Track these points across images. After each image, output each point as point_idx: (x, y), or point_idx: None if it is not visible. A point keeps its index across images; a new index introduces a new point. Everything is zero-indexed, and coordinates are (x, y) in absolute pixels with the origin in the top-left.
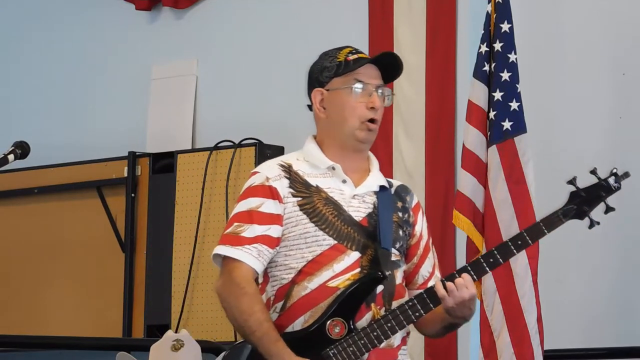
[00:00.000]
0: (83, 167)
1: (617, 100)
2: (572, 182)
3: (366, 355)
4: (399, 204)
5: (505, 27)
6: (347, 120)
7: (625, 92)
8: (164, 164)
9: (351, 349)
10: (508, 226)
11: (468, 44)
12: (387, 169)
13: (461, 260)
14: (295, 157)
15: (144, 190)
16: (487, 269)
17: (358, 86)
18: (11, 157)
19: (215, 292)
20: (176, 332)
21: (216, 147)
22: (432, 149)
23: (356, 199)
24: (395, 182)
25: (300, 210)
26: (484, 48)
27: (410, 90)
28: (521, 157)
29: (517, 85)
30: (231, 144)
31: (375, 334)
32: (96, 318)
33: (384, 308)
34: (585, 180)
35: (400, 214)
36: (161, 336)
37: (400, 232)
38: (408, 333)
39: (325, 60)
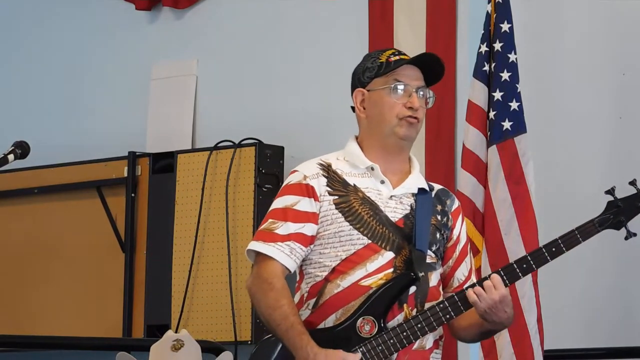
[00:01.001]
0: (83, 167)
1: (617, 100)
2: (610, 192)
3: (395, 355)
4: (439, 207)
5: (505, 27)
6: (385, 118)
7: (625, 92)
8: (164, 164)
9: (380, 348)
10: (508, 226)
11: (468, 44)
12: None
13: None
14: (336, 156)
15: (144, 190)
16: (520, 274)
17: (398, 86)
18: (11, 157)
19: (246, 288)
20: (176, 332)
21: (216, 147)
22: (432, 149)
23: (393, 199)
24: (437, 186)
25: (336, 208)
26: (484, 48)
27: None
28: (521, 157)
29: (517, 85)
30: (231, 144)
31: (405, 334)
32: (96, 318)
33: (415, 309)
34: (585, 183)
35: (439, 217)
36: (161, 336)
37: (438, 235)
38: (441, 337)
39: (367, 61)
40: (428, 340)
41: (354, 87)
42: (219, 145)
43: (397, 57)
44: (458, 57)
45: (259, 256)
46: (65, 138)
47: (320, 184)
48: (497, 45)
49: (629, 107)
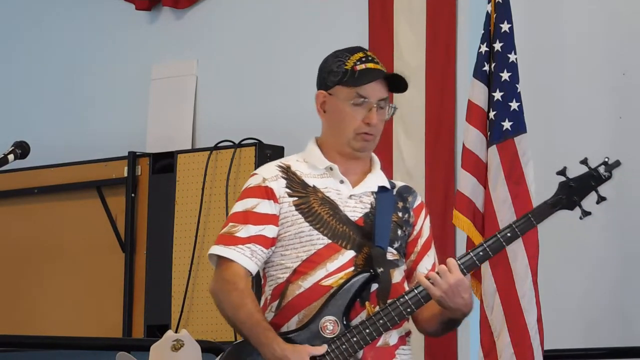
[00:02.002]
0: (83, 167)
1: (617, 100)
2: (562, 172)
3: (360, 352)
4: (400, 204)
5: (505, 27)
6: (343, 130)
7: (625, 92)
8: (164, 164)
9: (344, 346)
10: None
11: (468, 44)
12: (387, 169)
13: None
14: (296, 158)
15: (144, 190)
16: (477, 262)
17: (359, 101)
18: (11, 157)
19: (210, 293)
20: (176, 332)
21: (216, 147)
22: (432, 149)
23: (353, 199)
24: (399, 183)
25: (296, 209)
26: (484, 48)
27: (410, 90)
28: (521, 157)
29: (517, 85)
30: (231, 144)
31: (367, 331)
32: (96, 318)
33: (378, 307)
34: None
35: (400, 214)
36: (161, 336)
37: (399, 232)
38: (407, 333)
39: (333, 63)
40: (392, 337)
41: (318, 85)
42: (219, 145)
43: (364, 66)
44: (458, 57)
45: (220, 260)
46: (65, 138)
47: (279, 186)
48: (497, 45)
49: (629, 107)
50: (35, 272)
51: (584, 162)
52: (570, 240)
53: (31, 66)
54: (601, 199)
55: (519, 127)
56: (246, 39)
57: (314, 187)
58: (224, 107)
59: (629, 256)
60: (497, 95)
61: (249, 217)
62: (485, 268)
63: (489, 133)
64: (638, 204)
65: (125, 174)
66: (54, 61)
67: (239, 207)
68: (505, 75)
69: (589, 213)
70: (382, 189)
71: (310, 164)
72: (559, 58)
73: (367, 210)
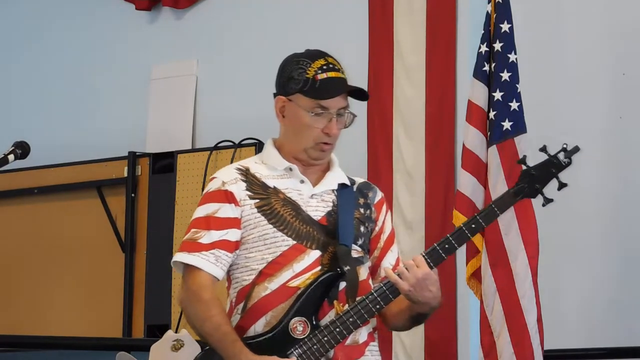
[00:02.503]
0: (83, 167)
1: (617, 100)
2: (522, 161)
3: (332, 352)
4: (361, 201)
5: (505, 27)
6: (302, 138)
7: (625, 92)
8: (164, 164)
9: (316, 347)
10: (508, 226)
11: (468, 44)
12: (387, 169)
13: (461, 261)
14: (254, 160)
15: (144, 190)
16: (443, 255)
17: (319, 111)
18: (11, 157)
19: (179, 304)
20: (176, 332)
21: (216, 147)
22: (432, 149)
23: (314, 198)
24: (358, 179)
25: (258, 212)
26: (484, 48)
27: (410, 90)
28: (522, 156)
29: (517, 85)
30: (231, 144)
31: (337, 330)
32: (96, 318)
33: (347, 305)
34: (585, 183)
35: (362, 211)
36: (161, 336)
37: (362, 229)
38: (375, 329)
39: (294, 69)
40: (361, 335)
41: (277, 89)
42: (219, 145)
43: (325, 75)
44: (458, 57)
45: (186, 267)
46: (65, 138)
47: (239, 189)
48: (497, 45)
49: (629, 107)
50: (35, 272)
51: (543, 149)
52: (570, 240)
53: (31, 66)
54: (562, 185)
55: (519, 127)
56: (246, 39)
57: (275, 188)
58: (224, 107)
59: (629, 256)
60: (497, 95)
61: (210, 222)
62: (486, 268)
63: (489, 133)
64: (638, 203)
65: (125, 174)
66: (54, 61)
67: (200, 212)
68: (505, 75)
69: (551, 200)
70: (342, 186)
71: (269, 166)
72: (558, 58)
73: (330, 208)
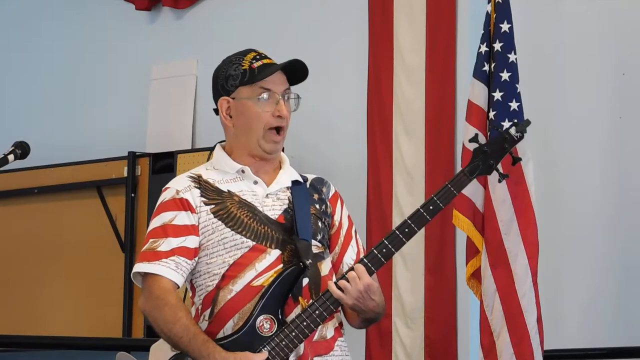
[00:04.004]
0: (83, 167)
1: (617, 100)
2: (474, 139)
3: (302, 348)
4: (315, 196)
5: (505, 27)
6: (253, 129)
7: (625, 92)
8: (164, 164)
9: (284, 343)
10: (508, 226)
11: (468, 44)
12: (387, 169)
13: (461, 260)
14: (205, 167)
15: (144, 190)
16: (382, 259)
17: (264, 95)
18: (11, 157)
19: (141, 311)
20: None
21: None
22: (432, 149)
23: (270, 197)
24: (311, 176)
25: (215, 217)
26: (483, 48)
27: (410, 90)
28: (521, 157)
29: (517, 85)
30: None
31: (305, 323)
32: (96, 318)
33: (311, 301)
34: (585, 183)
35: (317, 206)
36: None
37: (320, 224)
38: (341, 324)
39: (229, 67)
40: (328, 330)
41: (217, 94)
42: None
43: (260, 63)
44: (458, 57)
45: (146, 276)
46: (65, 138)
47: (194, 196)
48: (497, 45)
49: (629, 107)
50: (35, 272)
51: (494, 126)
52: (570, 240)
53: (31, 66)
54: (516, 159)
55: None
56: (246, 39)
57: (229, 191)
58: None
59: (628, 256)
60: (497, 95)
61: (168, 230)
62: (485, 268)
63: (488, 133)
64: (638, 203)
65: (125, 174)
66: (54, 61)
67: (156, 222)
68: (505, 75)
69: (506, 176)
70: (295, 183)
71: (221, 170)
72: (559, 58)
73: (286, 206)
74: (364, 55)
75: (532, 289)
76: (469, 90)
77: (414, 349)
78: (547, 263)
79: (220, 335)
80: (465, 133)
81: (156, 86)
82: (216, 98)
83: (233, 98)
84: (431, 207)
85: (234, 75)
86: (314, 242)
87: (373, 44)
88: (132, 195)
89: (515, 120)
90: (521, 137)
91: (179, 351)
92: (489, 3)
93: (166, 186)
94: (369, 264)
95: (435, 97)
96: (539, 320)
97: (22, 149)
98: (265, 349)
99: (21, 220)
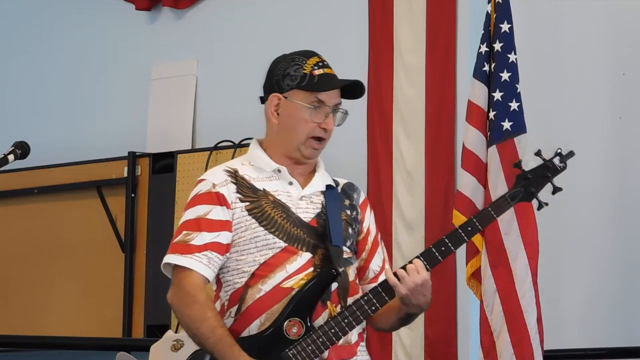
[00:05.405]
0: (83, 167)
1: (617, 100)
2: (517, 165)
3: (326, 353)
4: (347, 202)
5: (505, 27)
6: (296, 132)
7: (625, 92)
8: (164, 164)
9: (310, 348)
10: (508, 226)
11: (468, 44)
12: (387, 169)
13: (461, 260)
14: (241, 162)
15: (144, 190)
16: (439, 257)
17: (317, 106)
18: (11, 157)
19: (168, 302)
20: (176, 332)
21: (216, 147)
22: (432, 149)
23: (304, 200)
24: (342, 180)
25: (249, 214)
26: (483, 48)
27: (410, 90)
28: (521, 157)
29: (517, 85)
30: (231, 144)
31: (333, 331)
32: (96, 318)
33: (339, 305)
34: (585, 183)
35: (348, 212)
36: (161, 336)
37: (350, 230)
38: (364, 329)
39: (289, 66)
40: (353, 335)
41: (270, 88)
42: (219, 145)
43: (321, 71)
44: (458, 57)
45: (177, 269)
46: (65, 138)
47: (230, 191)
48: (497, 46)
49: (629, 107)
50: (35, 272)
51: (538, 154)
52: (570, 240)
53: (31, 66)
54: (556, 189)
55: (519, 127)
56: (246, 39)
57: (264, 190)
58: (224, 107)
59: (629, 256)
60: (497, 95)
61: (201, 224)
62: (485, 268)
63: (488, 133)
64: (638, 203)
65: (125, 174)
66: (54, 61)
67: (190, 214)
68: (505, 75)
69: (545, 204)
70: (329, 187)
71: (257, 167)
72: (559, 58)
73: (319, 210)
74: (364, 55)
75: (532, 289)
76: (469, 90)
77: (414, 349)
78: (547, 263)
79: (245, 333)
80: (465, 133)
81: (156, 86)
82: (267, 91)
83: (286, 97)
84: (469, 229)
85: (293, 76)
86: (344, 247)
87: (373, 44)
88: (132, 195)
89: (560, 150)
90: (564, 168)
91: (199, 349)
92: (489, 3)
93: (201, 177)
94: (424, 261)
95: (435, 97)
96: (539, 320)
97: (22, 149)
98: (291, 352)
99: (21, 220)
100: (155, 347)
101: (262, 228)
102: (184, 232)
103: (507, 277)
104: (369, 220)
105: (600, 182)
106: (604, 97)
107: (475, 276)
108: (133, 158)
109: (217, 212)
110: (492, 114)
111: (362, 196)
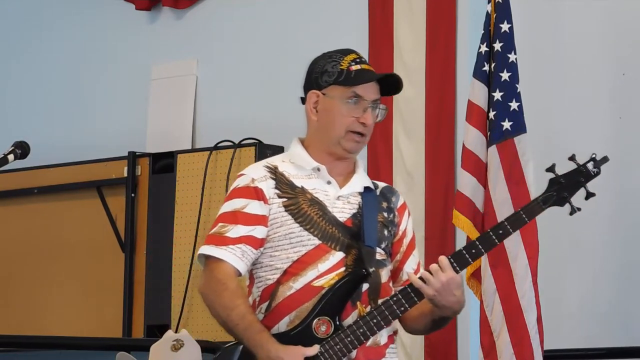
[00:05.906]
0: (83, 167)
1: (617, 101)
2: (551, 169)
3: (354, 352)
4: (384, 205)
5: (505, 27)
6: (335, 128)
7: (625, 92)
8: (164, 164)
9: (338, 347)
10: None
11: (468, 44)
12: (387, 169)
13: None
14: (281, 159)
15: (144, 190)
16: (470, 259)
17: (355, 100)
18: (11, 157)
19: (199, 292)
20: (176, 332)
21: (216, 147)
22: (432, 149)
23: (340, 200)
24: (381, 184)
25: (286, 211)
26: (483, 48)
27: (410, 90)
28: (521, 157)
29: (517, 85)
30: (231, 144)
31: (361, 330)
32: (96, 318)
33: (369, 306)
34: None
35: (385, 214)
36: (161, 336)
37: (385, 232)
38: (395, 332)
39: (327, 63)
40: (382, 336)
41: (309, 85)
42: (219, 145)
43: (358, 67)
44: (458, 57)
45: (209, 259)
46: (65, 138)
47: (268, 187)
48: (497, 45)
49: (629, 107)
50: (35, 272)
51: (572, 158)
52: (571, 240)
53: (31, 66)
54: (590, 194)
55: (519, 127)
56: (246, 39)
57: (302, 188)
58: (224, 107)
59: (629, 256)
60: (497, 95)
61: (238, 217)
62: (485, 268)
63: (489, 133)
64: (638, 203)
65: (125, 174)
66: (54, 61)
67: (227, 207)
68: (505, 75)
69: (578, 209)
70: (367, 189)
71: (297, 165)
72: (559, 58)
73: (355, 211)
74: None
75: (532, 289)
76: (469, 90)
77: (414, 349)
78: (547, 263)
79: (274, 330)
80: (465, 133)
81: (156, 86)
82: (306, 89)
83: (324, 94)
84: (501, 232)
85: (330, 73)
86: (378, 249)
87: (373, 44)
88: (132, 195)
89: (594, 156)
90: (598, 173)
91: (234, 340)
92: (489, 3)
93: (241, 172)
94: (453, 261)
95: (435, 97)
96: (539, 320)
97: (22, 149)
98: (319, 350)
99: (21, 220)
100: (155, 347)
101: (297, 225)
102: (220, 224)
103: (507, 277)
104: (405, 224)
105: (600, 182)
106: (604, 97)
107: (475, 276)
108: (133, 158)
109: (254, 206)
110: (492, 114)
111: (401, 200)
